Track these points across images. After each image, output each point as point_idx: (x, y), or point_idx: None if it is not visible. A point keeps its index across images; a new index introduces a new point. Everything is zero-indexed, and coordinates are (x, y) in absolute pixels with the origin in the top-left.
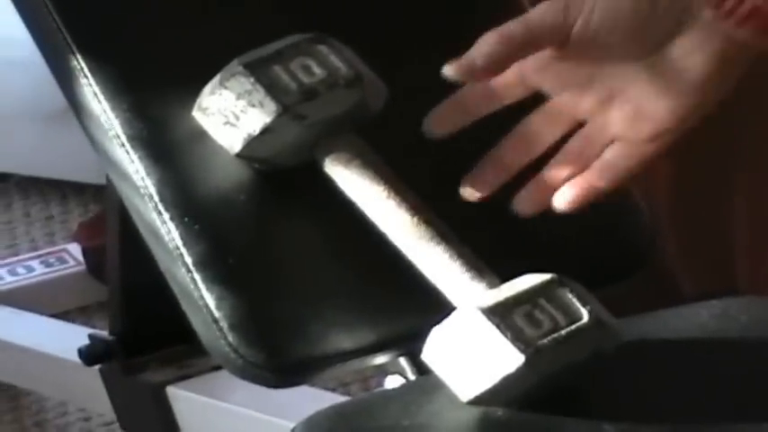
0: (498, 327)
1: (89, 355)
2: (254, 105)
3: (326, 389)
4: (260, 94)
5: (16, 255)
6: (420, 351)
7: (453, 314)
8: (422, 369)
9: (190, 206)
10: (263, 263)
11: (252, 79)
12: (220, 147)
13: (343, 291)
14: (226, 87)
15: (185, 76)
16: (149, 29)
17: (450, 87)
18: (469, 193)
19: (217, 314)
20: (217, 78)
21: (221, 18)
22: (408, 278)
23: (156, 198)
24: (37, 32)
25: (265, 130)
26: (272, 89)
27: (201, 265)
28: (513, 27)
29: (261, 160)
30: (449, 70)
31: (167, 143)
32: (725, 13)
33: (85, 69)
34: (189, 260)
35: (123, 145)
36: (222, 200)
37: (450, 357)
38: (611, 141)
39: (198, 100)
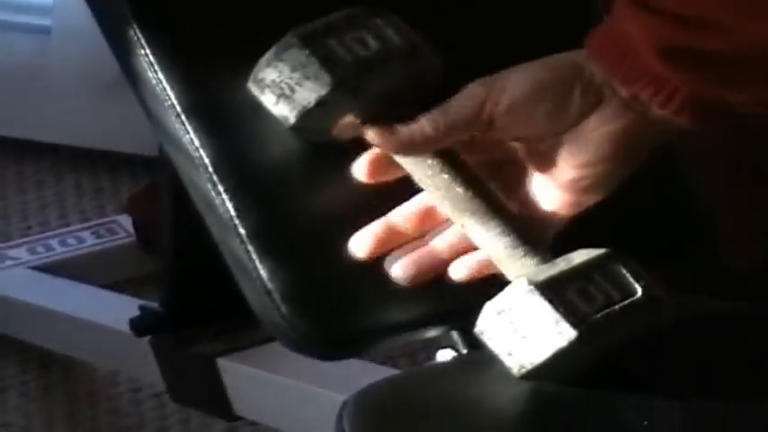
0: (551, 302)
1: (140, 326)
2: (308, 78)
3: (377, 362)
4: (315, 66)
5: (67, 226)
6: (472, 325)
7: (506, 289)
8: (474, 343)
9: (244, 177)
10: (317, 235)
11: (307, 51)
12: (275, 119)
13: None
14: (281, 60)
15: (241, 48)
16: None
17: (510, 58)
18: (356, 249)
19: (270, 285)
20: (272, 51)
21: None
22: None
23: (211, 169)
24: (94, 3)
25: (320, 103)
26: (327, 62)
27: (255, 236)
28: (433, 122)
29: (315, 133)
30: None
31: (223, 114)
32: (661, 103)
33: (142, 40)
34: (243, 231)
35: (179, 116)
36: (277, 172)
37: (502, 332)
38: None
39: (253, 72)
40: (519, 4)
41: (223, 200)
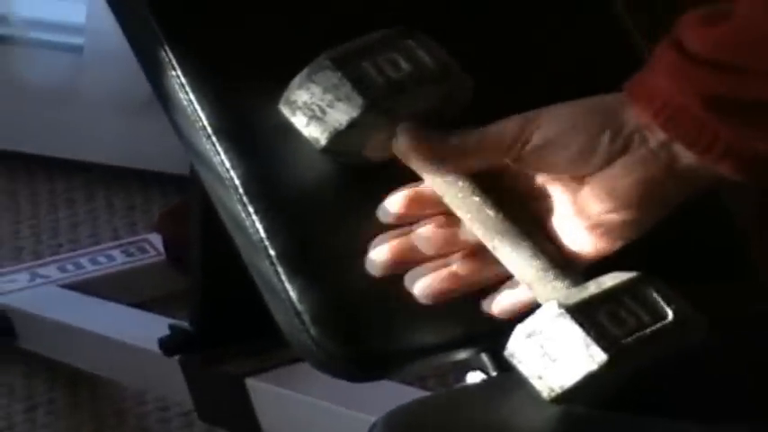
0: (582, 325)
1: (169, 345)
2: (340, 99)
3: (405, 383)
4: (347, 88)
5: (98, 244)
6: (502, 347)
7: (537, 312)
8: (503, 365)
9: (274, 199)
10: (347, 256)
11: (339, 74)
12: (306, 140)
13: None
14: (313, 81)
15: (273, 69)
16: (237, 20)
17: (536, 76)
18: (373, 261)
19: (299, 307)
20: (304, 72)
21: (310, 10)
22: None
23: (241, 190)
24: (126, 23)
25: (351, 125)
26: (359, 84)
27: (285, 257)
28: (469, 137)
29: (346, 155)
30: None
31: (253, 135)
32: (702, 150)
33: (173, 60)
34: (272, 252)
35: (210, 137)
36: (307, 193)
37: (533, 355)
38: None
39: (285, 93)
40: (558, 35)
41: (253, 221)
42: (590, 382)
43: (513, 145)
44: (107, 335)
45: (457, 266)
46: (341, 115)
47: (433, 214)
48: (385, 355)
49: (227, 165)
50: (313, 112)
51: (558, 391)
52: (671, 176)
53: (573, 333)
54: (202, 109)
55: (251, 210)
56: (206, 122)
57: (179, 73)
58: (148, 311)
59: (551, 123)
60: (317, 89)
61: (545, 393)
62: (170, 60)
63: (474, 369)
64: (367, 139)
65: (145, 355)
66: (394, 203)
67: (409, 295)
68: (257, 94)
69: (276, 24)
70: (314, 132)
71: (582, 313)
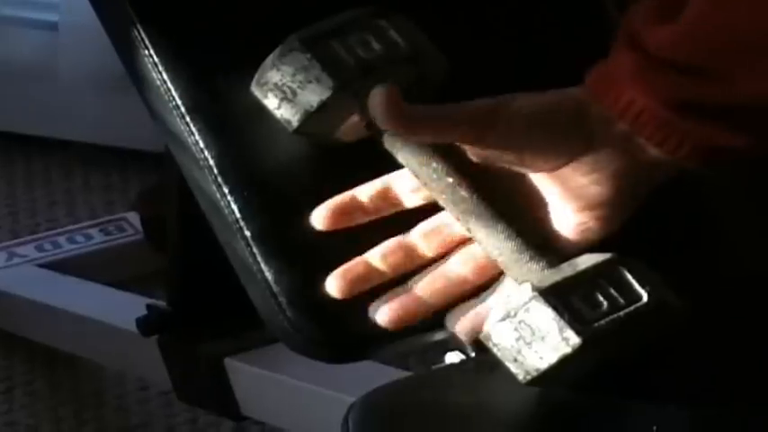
0: (556, 308)
1: (147, 325)
2: (310, 81)
3: (385, 363)
4: (317, 69)
5: (76, 223)
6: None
7: (512, 294)
8: (482, 346)
9: (249, 179)
10: (323, 238)
11: (309, 54)
12: (279, 121)
13: None
14: (283, 63)
15: (246, 49)
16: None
17: (510, 63)
18: (332, 288)
19: (275, 288)
20: (275, 53)
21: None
22: None
23: (216, 170)
24: (98, 3)
25: (322, 107)
26: (329, 65)
27: (260, 238)
28: (442, 108)
29: (318, 136)
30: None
31: (227, 116)
32: (670, 150)
33: (146, 40)
34: (248, 233)
35: (183, 116)
36: (282, 174)
37: (507, 338)
38: None
39: (256, 75)
40: (535, 22)
41: (228, 201)
42: (566, 365)
43: (487, 120)
44: (85, 315)
45: (418, 289)
46: (311, 97)
47: (368, 219)
48: (361, 336)
49: (202, 145)
50: (284, 94)
51: (534, 374)
52: (637, 169)
53: (547, 316)
54: (176, 89)
55: (226, 190)
56: (179, 102)
57: (152, 52)
58: (127, 291)
59: (515, 115)
60: (287, 70)
61: (521, 376)
62: (142, 40)
63: (452, 349)
64: (339, 120)
65: (123, 335)
66: (317, 219)
67: (385, 276)
68: (231, 74)
69: (250, 3)
70: (285, 114)
71: (556, 296)
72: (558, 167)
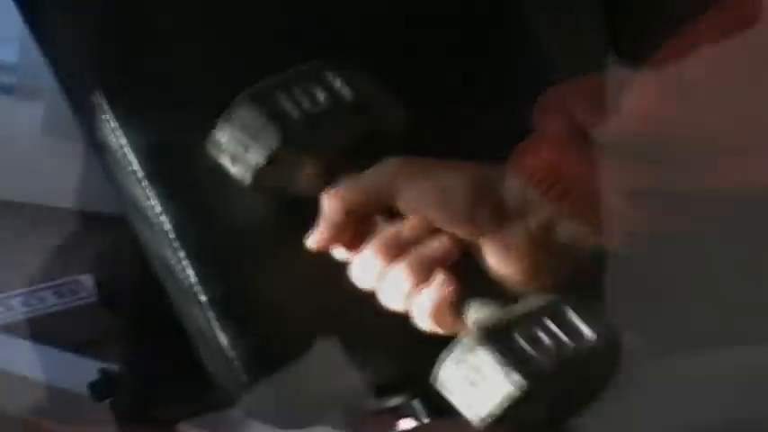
0: (501, 351)
1: (99, 389)
2: (257, 137)
3: (339, 429)
4: (262, 123)
5: (30, 285)
6: (433, 393)
7: (459, 338)
8: (435, 411)
9: (206, 244)
10: (278, 303)
11: (255, 111)
12: (236, 183)
13: (359, 332)
14: (234, 119)
15: (203, 113)
16: (167, 64)
17: (470, 104)
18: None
19: (230, 354)
20: (225, 113)
21: (240, 50)
22: None
23: (172, 235)
24: (56, 67)
25: (270, 161)
26: (275, 119)
27: (216, 303)
28: (347, 200)
29: (276, 191)
30: (311, 243)
31: (185, 181)
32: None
33: (105, 105)
34: (203, 298)
35: (140, 181)
36: (238, 239)
37: (458, 383)
38: None
39: (211, 134)
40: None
41: (183, 267)
42: (516, 407)
43: (383, 192)
44: (38, 379)
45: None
46: (259, 152)
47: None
48: (315, 402)
49: (158, 210)
50: (235, 151)
51: (487, 419)
52: (549, 255)
53: (492, 359)
54: (134, 154)
55: (181, 255)
56: (137, 167)
57: (110, 117)
58: (80, 354)
59: (418, 182)
60: (236, 128)
61: (475, 422)
62: (101, 105)
63: (407, 415)
64: (290, 174)
65: (76, 399)
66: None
67: (341, 342)
68: (189, 139)
69: (208, 68)
70: (238, 172)
71: (500, 338)
72: (477, 237)
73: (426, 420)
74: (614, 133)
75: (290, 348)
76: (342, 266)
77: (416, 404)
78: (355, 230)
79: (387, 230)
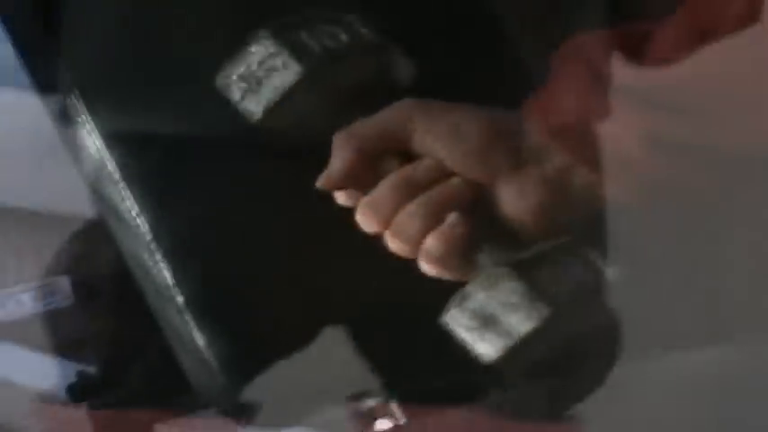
0: (527, 282)
1: (77, 391)
2: (276, 69)
3: (317, 429)
4: (283, 56)
5: (5, 287)
6: (410, 396)
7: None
8: (411, 413)
9: (182, 245)
10: (256, 303)
11: (277, 42)
12: (216, 185)
13: (337, 332)
14: (250, 52)
15: (182, 115)
16: (143, 66)
17: (471, 73)
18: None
19: (207, 354)
20: (243, 44)
21: (216, 51)
22: (404, 323)
23: (149, 237)
24: (31, 69)
25: (288, 94)
26: (296, 51)
27: (192, 304)
28: (361, 137)
29: (281, 130)
30: (319, 184)
31: (162, 182)
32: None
33: (82, 107)
34: (180, 299)
35: (117, 183)
36: (214, 239)
37: (475, 319)
38: None
39: (222, 69)
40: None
41: (160, 268)
42: (538, 342)
43: (397, 130)
44: (14, 381)
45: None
46: (277, 84)
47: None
48: (292, 403)
49: (135, 211)
50: (248, 85)
51: (505, 354)
52: (565, 199)
53: (518, 289)
54: (111, 155)
55: (158, 257)
56: (114, 168)
57: (88, 119)
58: (57, 356)
59: (435, 122)
60: (253, 60)
61: (491, 352)
62: (78, 106)
63: (383, 417)
64: (302, 111)
65: (53, 401)
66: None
67: (317, 343)
68: (167, 141)
69: (189, 70)
70: (249, 105)
71: (523, 271)
72: (490, 179)
73: (402, 421)
74: (634, 81)
75: (266, 349)
76: (320, 269)
77: (393, 407)
78: (366, 173)
79: (400, 170)
